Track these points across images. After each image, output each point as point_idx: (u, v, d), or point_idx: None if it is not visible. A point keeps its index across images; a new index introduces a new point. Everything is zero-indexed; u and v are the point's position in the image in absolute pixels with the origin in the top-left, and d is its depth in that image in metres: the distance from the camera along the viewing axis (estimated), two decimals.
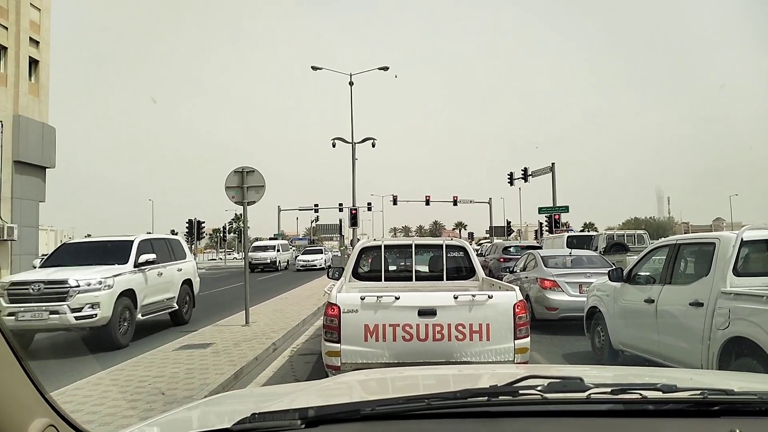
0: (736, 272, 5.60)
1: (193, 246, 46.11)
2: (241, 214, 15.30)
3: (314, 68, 35.43)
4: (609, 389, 1.42)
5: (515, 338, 5.82)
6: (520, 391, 1.42)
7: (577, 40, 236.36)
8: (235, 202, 11.90)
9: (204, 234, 52.20)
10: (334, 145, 35.08)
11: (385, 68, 35.82)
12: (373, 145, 35.68)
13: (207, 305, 17.69)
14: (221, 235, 69.07)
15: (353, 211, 33.81)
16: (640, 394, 1.40)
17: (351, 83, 35.70)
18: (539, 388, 1.42)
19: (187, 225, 43.27)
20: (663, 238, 8.06)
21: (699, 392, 1.39)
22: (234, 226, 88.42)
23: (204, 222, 44.47)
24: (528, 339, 5.95)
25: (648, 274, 7.08)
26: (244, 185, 11.72)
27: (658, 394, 1.40)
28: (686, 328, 5.89)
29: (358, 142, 35.02)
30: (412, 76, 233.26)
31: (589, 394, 1.40)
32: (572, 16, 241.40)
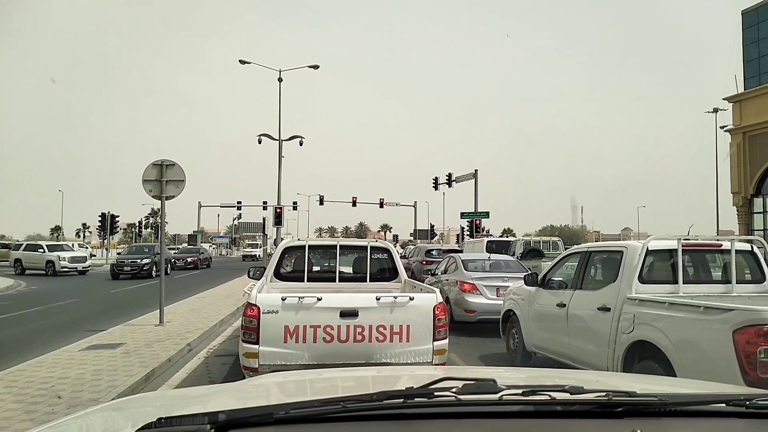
0: (641, 279, 5.94)
1: (105, 241, 43.96)
2: (158, 209, 14.70)
3: (242, 62, 34.70)
4: (520, 391, 1.46)
5: (434, 340, 5.91)
6: (435, 393, 1.43)
7: (502, 50, 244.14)
8: (153, 197, 11.42)
9: (118, 228, 49.87)
10: (260, 142, 34.49)
11: (315, 66, 35.59)
12: (301, 144, 35.35)
13: (118, 303, 16.92)
14: (136, 230, 66.20)
15: (278, 210, 33.31)
16: (550, 396, 1.45)
17: (280, 79, 35.23)
18: (454, 390, 1.44)
19: (100, 218, 41.17)
20: (575, 246, 8.44)
21: (604, 394, 1.45)
22: (151, 221, 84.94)
23: (118, 216, 42.47)
24: (446, 341, 6.06)
25: (561, 279, 7.38)
26: (163, 179, 11.27)
27: (566, 396, 1.45)
28: (594, 331, 6.19)
29: (285, 140, 34.58)
30: (342, 77, 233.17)
31: (502, 396, 1.43)
32: (498, 25, 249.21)
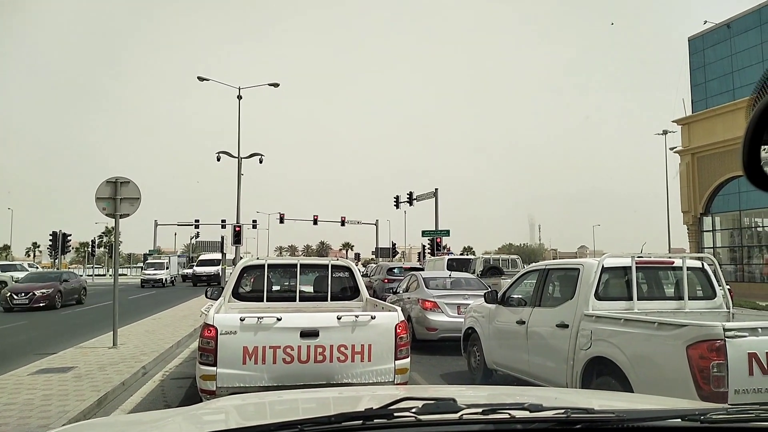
0: (598, 296, 6.06)
1: (56, 261, 42.49)
2: (112, 228, 14.31)
3: (200, 79, 34.36)
4: (480, 410, 1.46)
5: (396, 359, 5.88)
6: (395, 414, 1.42)
7: (456, 67, 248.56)
8: (107, 215, 11.13)
9: (70, 248, 48.28)
10: (218, 159, 34.09)
11: (276, 84, 35.54)
12: (261, 161, 35.07)
13: (70, 325, 16.32)
14: (89, 249, 64.21)
15: (237, 229, 32.82)
16: (509, 414, 1.45)
17: (239, 97, 34.98)
18: (414, 410, 1.43)
19: (51, 237, 39.79)
20: (534, 263, 8.57)
21: (563, 411, 1.47)
22: (105, 240, 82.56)
23: (70, 235, 41.12)
24: (408, 359, 6.04)
25: (520, 296, 7.47)
26: (117, 197, 10.99)
27: (526, 414, 1.45)
28: (553, 348, 6.27)
29: (244, 157, 34.24)
30: (302, 95, 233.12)
31: (462, 415, 1.43)
32: (450, 43, 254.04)
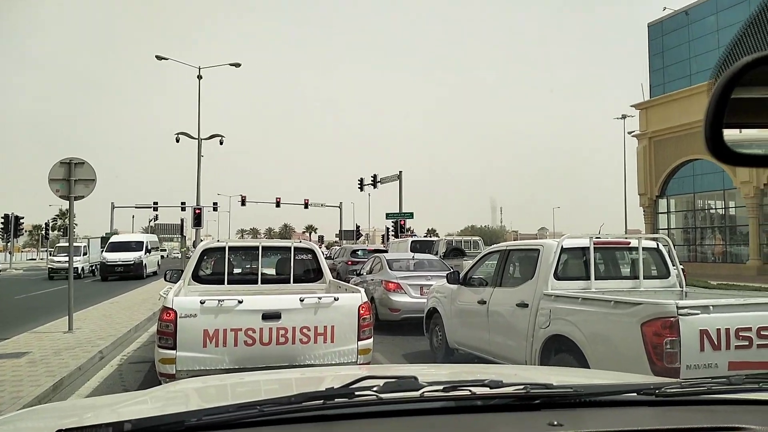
0: (557, 276, 6.18)
1: (8, 244, 41.10)
2: (67, 210, 13.89)
3: (159, 58, 33.39)
4: (441, 387, 1.47)
5: (359, 339, 5.90)
6: (356, 393, 1.42)
7: (419, 46, 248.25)
8: (60, 197, 10.77)
9: (23, 231, 46.72)
10: (178, 140, 33.32)
11: (237, 64, 34.82)
12: (221, 143, 34.45)
13: (24, 310, 15.87)
14: (43, 232, 62.28)
15: (197, 211, 32.22)
16: (470, 391, 1.46)
17: (200, 77, 34.15)
18: (375, 389, 1.43)
19: (2, 220, 38.44)
20: (495, 245, 8.68)
21: (522, 387, 1.48)
22: (59, 223, 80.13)
23: (23, 217, 39.80)
24: (371, 340, 6.07)
25: (481, 277, 7.56)
26: (72, 178, 10.63)
27: (486, 390, 1.46)
28: (513, 327, 6.38)
29: (204, 139, 33.56)
30: (265, 76, 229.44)
31: (423, 393, 1.43)
32: (414, 22, 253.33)
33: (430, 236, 55.57)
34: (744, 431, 1.29)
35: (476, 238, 27.09)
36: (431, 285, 9.80)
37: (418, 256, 14.19)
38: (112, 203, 53.85)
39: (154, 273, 31.86)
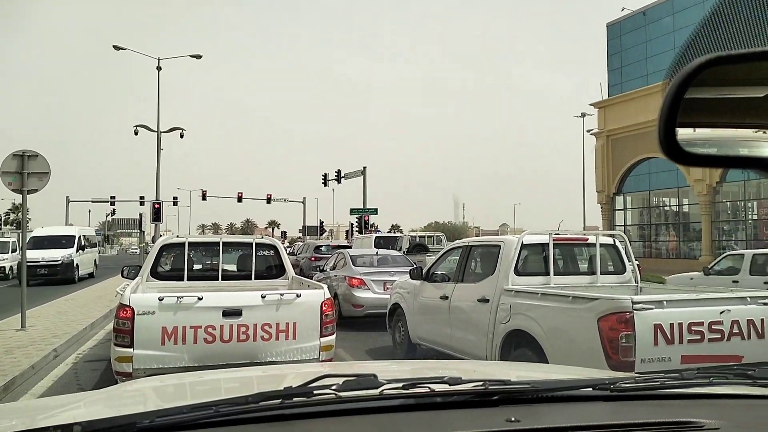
0: (517, 272, 6.27)
1: None
2: (20, 204, 13.41)
3: (117, 48, 32.48)
4: (401, 384, 1.47)
5: (321, 336, 5.88)
6: (315, 392, 1.40)
7: (383, 42, 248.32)
8: (13, 190, 10.40)
9: None
10: (136, 133, 32.54)
11: (198, 56, 34.15)
12: (182, 136, 33.73)
13: None
14: None
15: (156, 206, 31.51)
16: (429, 388, 1.47)
17: (159, 68, 33.37)
18: (334, 387, 1.42)
19: None
20: (457, 240, 8.76)
21: (481, 383, 1.50)
22: (12, 217, 77.36)
23: None
24: (333, 337, 6.05)
25: (444, 272, 7.62)
26: (25, 171, 10.26)
27: (445, 387, 1.47)
28: (474, 322, 6.45)
29: (164, 131, 32.82)
30: (228, 68, 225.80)
31: (382, 390, 1.43)
32: (378, 17, 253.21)
33: (394, 232, 55.65)
34: (694, 425, 1.33)
35: (439, 234, 27.29)
36: (395, 281, 9.83)
37: (382, 252, 14.21)
38: (67, 197, 52.26)
39: (90, 275, 26.58)
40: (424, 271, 7.97)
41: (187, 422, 1.29)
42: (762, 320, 5.11)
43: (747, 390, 1.64)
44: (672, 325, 4.83)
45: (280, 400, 1.37)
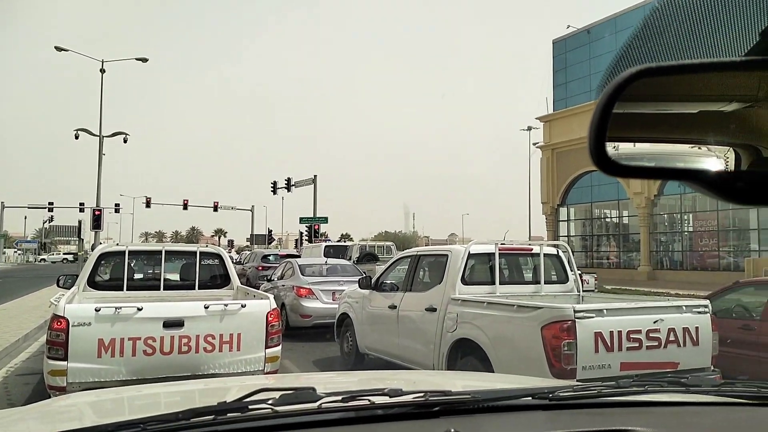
0: (464, 281, 6.34)
1: None
2: None
3: (59, 49, 31.35)
4: (340, 397, 1.44)
5: (267, 347, 5.77)
6: (250, 407, 1.36)
7: (335, 54, 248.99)
8: None
9: None
10: (77, 137, 31.44)
11: (144, 59, 33.31)
12: (125, 141, 32.86)
13: None
14: None
15: (96, 212, 30.40)
16: (369, 400, 1.44)
17: (102, 71, 32.39)
18: (270, 402, 1.38)
19: None
20: (406, 250, 8.79)
21: (422, 395, 1.48)
22: None
23: None
24: (279, 348, 5.95)
25: (392, 282, 7.63)
26: None
27: (386, 399, 1.45)
28: (422, 331, 6.47)
29: (107, 136, 31.84)
30: (174, 72, 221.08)
31: (321, 404, 1.40)
32: (329, 26, 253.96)
33: (345, 241, 55.49)
34: None
35: (389, 243, 27.32)
36: (344, 290, 9.77)
37: (331, 261, 14.12)
38: (2, 203, 49.87)
39: None
40: (373, 280, 7.96)
41: None
42: (696, 328, 5.33)
43: (680, 397, 1.69)
44: (612, 333, 4.98)
45: (213, 416, 1.31)
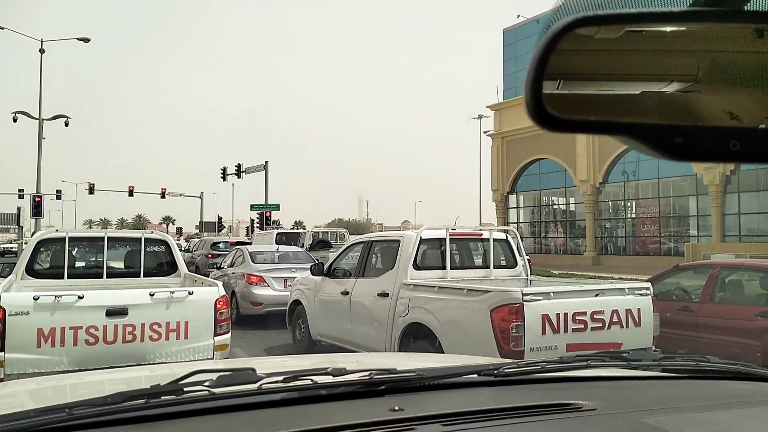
0: (416, 266, 6.38)
1: None
2: None
3: None
4: (281, 377, 1.41)
5: (215, 335, 5.67)
6: (185, 389, 1.31)
7: (285, 39, 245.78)
8: None
9: None
10: (15, 120, 29.98)
11: (86, 39, 31.96)
12: (66, 124, 31.52)
13: None
14: None
15: (37, 199, 29.12)
16: (312, 380, 1.42)
17: (42, 50, 30.92)
18: (207, 384, 1.32)
19: None
20: (359, 236, 8.78)
21: (366, 373, 1.47)
22: None
23: None
24: (228, 335, 5.86)
25: (345, 268, 7.61)
26: None
27: (329, 378, 1.43)
28: (374, 316, 6.49)
29: (47, 119, 30.49)
30: (118, 54, 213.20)
31: (261, 385, 1.36)
32: (280, 7, 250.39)
33: (297, 228, 54.99)
34: (572, 407, 1.38)
35: (342, 230, 27.28)
36: (296, 277, 9.70)
37: (283, 248, 13.98)
38: None
39: None
40: (325, 266, 7.92)
41: (34, 427, 1.15)
42: (639, 309, 5.53)
43: (622, 372, 1.74)
44: (558, 315, 5.11)
45: (144, 400, 1.26)
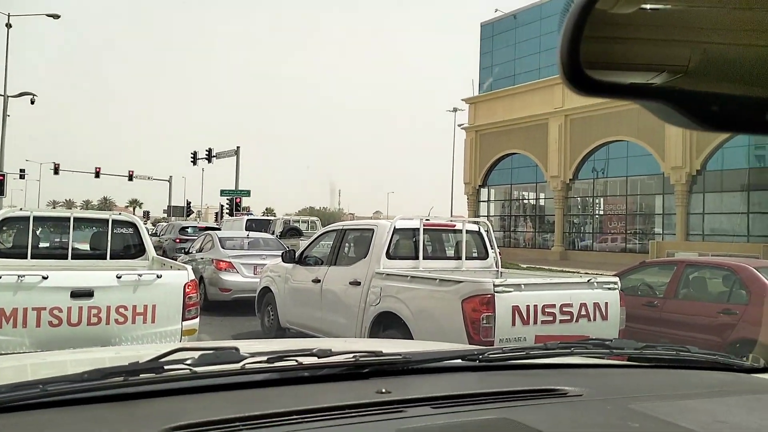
0: (389, 255, 6.38)
1: None
2: None
3: None
4: (265, 358, 1.38)
5: (183, 319, 5.59)
6: (165, 367, 1.26)
7: (260, 22, 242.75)
8: None
9: None
10: None
11: (56, 16, 31.04)
12: (32, 102, 30.66)
13: None
14: None
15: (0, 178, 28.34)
16: (297, 361, 1.39)
17: (9, 25, 29.89)
18: (189, 362, 1.28)
19: None
20: (332, 224, 8.74)
21: (351, 356, 1.45)
22: None
23: None
24: (197, 320, 5.78)
25: (317, 256, 7.57)
26: None
27: (314, 360, 1.41)
28: (345, 304, 6.47)
29: (12, 96, 29.57)
30: (87, 32, 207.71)
31: (244, 365, 1.33)
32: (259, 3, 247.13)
33: (268, 215, 54.50)
34: (558, 392, 1.39)
35: (314, 218, 27.18)
36: (266, 264, 9.61)
37: (253, 234, 13.86)
38: None
39: None
40: (297, 254, 7.86)
41: (4, 404, 1.10)
42: (606, 303, 5.63)
43: (605, 360, 1.77)
44: (528, 306, 5.17)
45: (123, 377, 1.21)
